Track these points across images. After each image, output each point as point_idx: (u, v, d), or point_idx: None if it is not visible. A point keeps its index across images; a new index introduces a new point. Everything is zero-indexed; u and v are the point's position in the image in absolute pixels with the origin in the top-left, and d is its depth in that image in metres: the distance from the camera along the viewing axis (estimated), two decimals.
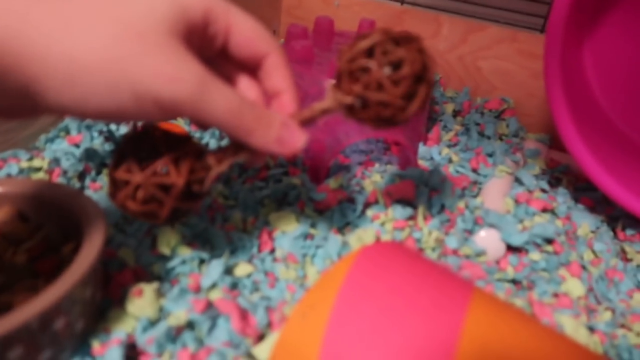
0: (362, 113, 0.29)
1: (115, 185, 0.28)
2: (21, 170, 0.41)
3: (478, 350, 0.22)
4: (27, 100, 0.23)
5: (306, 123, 0.30)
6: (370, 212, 0.42)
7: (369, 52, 0.28)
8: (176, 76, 0.23)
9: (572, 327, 0.34)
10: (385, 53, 0.27)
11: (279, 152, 0.28)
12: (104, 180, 0.44)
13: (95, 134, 0.46)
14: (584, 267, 0.42)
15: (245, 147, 0.29)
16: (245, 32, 0.29)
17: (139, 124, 0.29)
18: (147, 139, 0.28)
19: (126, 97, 0.23)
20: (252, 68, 0.31)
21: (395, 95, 0.27)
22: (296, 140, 0.29)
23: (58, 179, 0.41)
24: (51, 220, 0.34)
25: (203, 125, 0.31)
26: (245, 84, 0.32)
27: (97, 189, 0.42)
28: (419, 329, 0.23)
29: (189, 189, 0.28)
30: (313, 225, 0.41)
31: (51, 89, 0.22)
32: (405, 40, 0.28)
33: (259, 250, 0.39)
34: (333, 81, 0.29)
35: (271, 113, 0.28)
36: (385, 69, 0.27)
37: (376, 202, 0.44)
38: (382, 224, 0.41)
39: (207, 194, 0.30)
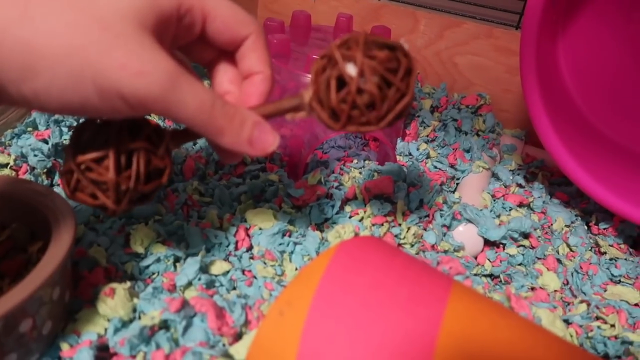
0: (332, 122, 0.27)
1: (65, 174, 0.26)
2: None
3: (457, 343, 0.22)
4: None
5: (270, 117, 0.29)
6: (348, 208, 0.42)
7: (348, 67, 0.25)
8: (143, 70, 0.22)
9: (549, 320, 0.34)
10: (369, 63, 0.25)
11: (250, 153, 0.27)
12: None
13: (65, 129, 0.44)
14: (559, 261, 0.42)
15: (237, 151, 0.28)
16: (222, 18, 0.28)
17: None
18: (102, 128, 0.26)
19: (90, 90, 0.22)
20: (232, 51, 0.30)
21: (371, 118, 0.26)
22: (268, 141, 0.27)
23: (25, 176, 0.40)
24: (18, 218, 0.33)
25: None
26: (223, 68, 0.31)
27: None
28: (398, 324, 0.22)
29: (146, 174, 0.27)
30: (291, 222, 0.40)
31: (10, 79, 0.21)
32: (389, 61, 0.25)
33: (236, 248, 0.38)
34: (310, 77, 0.28)
35: (244, 112, 0.27)
36: (361, 96, 0.25)
37: (355, 198, 0.43)
38: (360, 220, 0.41)
39: (168, 177, 0.28)
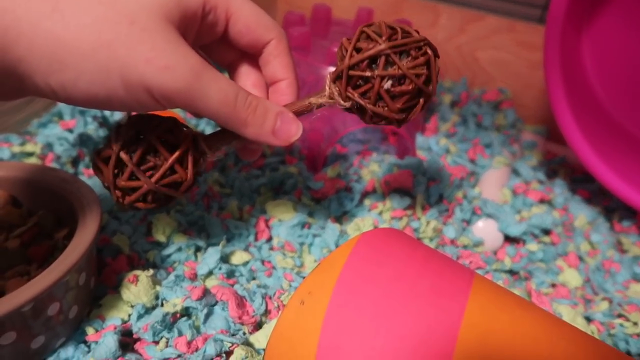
0: (358, 113, 0.29)
1: (121, 191, 0.28)
2: (13, 155, 0.40)
3: (480, 336, 0.22)
4: (12, 81, 0.22)
5: (299, 115, 0.29)
6: (367, 202, 0.42)
7: (372, 60, 0.27)
8: (169, 65, 0.23)
9: (570, 316, 0.34)
10: (389, 64, 0.26)
11: (274, 144, 0.28)
12: None
13: (89, 119, 0.45)
14: (580, 258, 0.42)
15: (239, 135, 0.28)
16: (245, 19, 0.28)
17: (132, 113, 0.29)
18: (139, 139, 0.28)
19: (116, 84, 0.23)
20: (254, 55, 0.31)
21: (392, 110, 0.27)
22: (292, 131, 0.28)
23: (51, 165, 0.41)
24: (45, 205, 0.33)
25: (197, 115, 0.31)
26: (245, 70, 0.31)
27: (91, 175, 0.41)
28: (420, 315, 0.23)
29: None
30: (310, 214, 0.40)
31: (38, 71, 0.22)
32: (413, 48, 0.27)
33: (256, 239, 0.38)
34: (331, 70, 0.29)
35: (267, 103, 0.27)
36: (386, 82, 0.27)
37: (374, 191, 0.43)
38: (379, 213, 0.41)
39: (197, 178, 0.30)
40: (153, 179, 0.27)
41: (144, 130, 0.27)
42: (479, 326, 0.22)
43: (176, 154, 0.27)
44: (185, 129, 0.29)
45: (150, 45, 0.22)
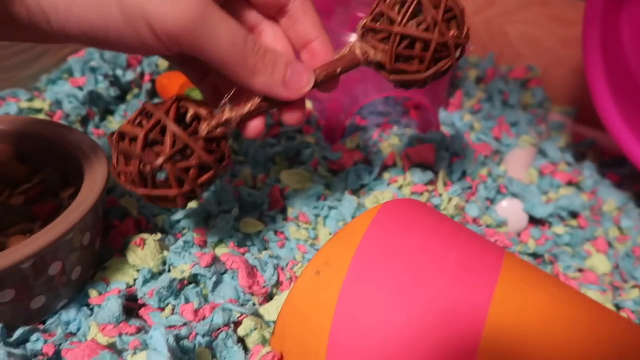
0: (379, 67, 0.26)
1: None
2: (20, 111, 0.39)
3: (511, 316, 0.20)
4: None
5: (329, 78, 0.27)
6: (387, 175, 0.40)
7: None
8: None
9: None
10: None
11: (285, 96, 0.25)
12: (107, 126, 0.41)
13: (100, 77, 0.43)
14: (609, 244, 0.39)
15: (270, 96, 0.26)
16: None
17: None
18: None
19: (114, 12, 0.20)
20: (276, 14, 0.28)
21: (442, 36, 0.24)
22: (303, 80, 0.25)
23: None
24: (51, 163, 0.32)
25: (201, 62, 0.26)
26: (271, 33, 0.28)
27: (100, 135, 0.40)
28: (445, 291, 0.21)
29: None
30: (327, 186, 0.39)
31: None
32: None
33: (269, 208, 0.37)
34: (354, 36, 0.26)
35: (276, 51, 0.25)
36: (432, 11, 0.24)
37: (394, 164, 0.41)
38: (399, 188, 0.39)
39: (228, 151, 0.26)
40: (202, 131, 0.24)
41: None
42: (510, 304, 0.20)
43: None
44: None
45: None
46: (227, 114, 0.25)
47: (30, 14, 0.21)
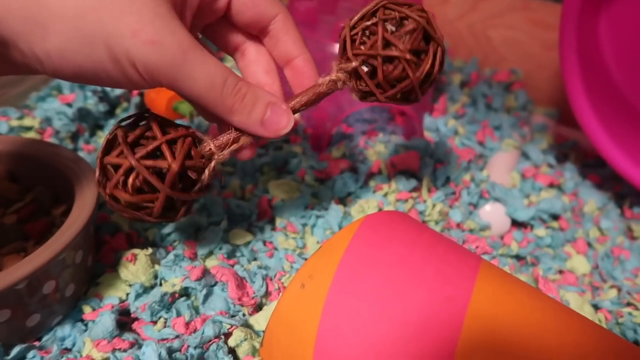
0: (372, 82, 0.27)
1: (105, 173, 0.24)
2: (11, 129, 0.40)
3: (486, 325, 0.21)
4: None
5: (308, 106, 0.27)
6: (373, 183, 0.41)
7: (372, 15, 0.26)
8: (155, 39, 0.21)
9: (577, 304, 0.33)
10: (388, 13, 0.26)
11: (262, 135, 0.26)
12: (97, 142, 0.42)
13: (89, 94, 0.44)
14: (589, 245, 0.41)
15: (248, 132, 0.26)
16: None
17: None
18: (141, 125, 0.25)
19: (102, 55, 0.22)
20: (258, 34, 0.29)
21: (403, 50, 0.25)
22: (282, 123, 0.26)
23: (50, 140, 0.40)
24: (42, 181, 0.33)
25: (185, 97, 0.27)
26: (254, 56, 0.29)
27: (91, 151, 0.40)
28: (424, 302, 0.22)
29: (186, 178, 0.25)
30: (314, 195, 0.40)
31: (21, 36, 0.21)
32: (406, 4, 0.26)
33: (258, 219, 0.37)
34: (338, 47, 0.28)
35: (259, 91, 0.26)
36: (389, 26, 0.25)
37: (379, 172, 0.42)
38: (384, 195, 0.40)
39: (208, 187, 0.26)
40: (135, 155, 0.23)
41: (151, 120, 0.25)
42: (485, 314, 0.21)
43: (169, 135, 0.24)
44: (190, 129, 0.26)
45: (137, 16, 0.21)
46: (208, 147, 0.26)
47: (25, 58, 0.22)
